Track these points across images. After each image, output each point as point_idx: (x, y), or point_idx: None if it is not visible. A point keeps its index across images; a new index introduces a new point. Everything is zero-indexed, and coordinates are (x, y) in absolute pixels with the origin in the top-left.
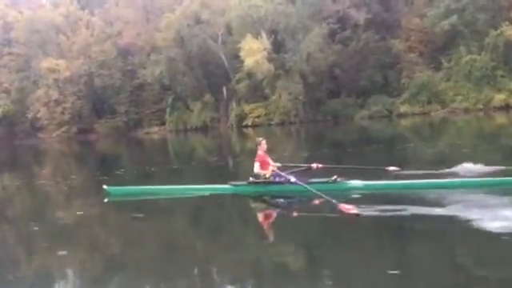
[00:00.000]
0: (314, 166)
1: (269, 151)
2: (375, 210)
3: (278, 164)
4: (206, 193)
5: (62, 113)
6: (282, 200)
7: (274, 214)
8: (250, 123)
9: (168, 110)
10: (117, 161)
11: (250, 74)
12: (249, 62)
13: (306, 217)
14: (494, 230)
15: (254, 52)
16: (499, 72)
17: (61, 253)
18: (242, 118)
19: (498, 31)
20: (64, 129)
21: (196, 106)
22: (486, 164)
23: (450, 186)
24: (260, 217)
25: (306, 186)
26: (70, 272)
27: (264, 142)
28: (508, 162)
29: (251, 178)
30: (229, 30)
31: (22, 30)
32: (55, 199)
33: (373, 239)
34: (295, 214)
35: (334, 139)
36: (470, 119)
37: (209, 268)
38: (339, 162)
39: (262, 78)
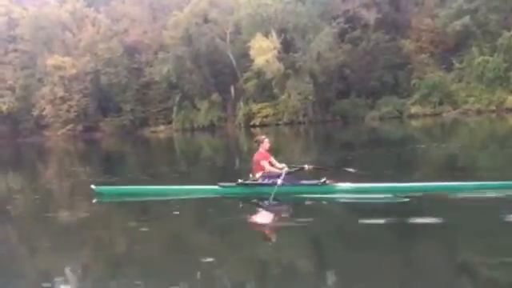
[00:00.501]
0: (306, 167)
1: (275, 151)
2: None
3: (283, 164)
4: (194, 194)
5: (68, 111)
6: (274, 202)
7: (270, 216)
8: (257, 123)
9: (175, 108)
10: (122, 160)
11: (258, 73)
12: (259, 61)
13: (300, 219)
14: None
15: (264, 51)
16: None
17: (62, 252)
18: (249, 117)
19: (511, 32)
20: (69, 127)
21: (203, 105)
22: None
23: (444, 189)
24: (254, 219)
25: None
26: (69, 272)
27: (267, 140)
28: None
29: (240, 180)
30: (237, 29)
31: (27, 27)
32: (58, 199)
33: (376, 242)
34: (289, 216)
35: (344, 140)
36: (482, 121)
37: (212, 271)
38: (347, 164)
39: (270, 78)
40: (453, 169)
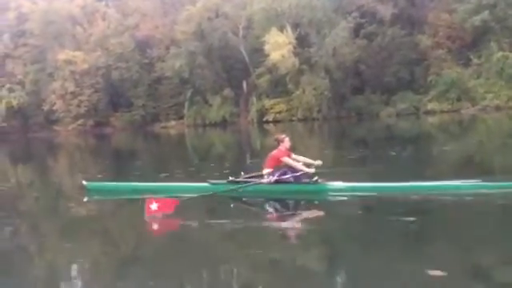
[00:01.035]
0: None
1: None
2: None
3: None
4: (183, 192)
5: (78, 105)
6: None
7: (270, 215)
8: (270, 119)
9: (186, 104)
10: (133, 156)
11: (271, 69)
12: (274, 56)
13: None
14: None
15: (279, 46)
16: None
17: (70, 249)
18: (262, 113)
19: None
20: (80, 122)
21: (215, 101)
22: None
23: (438, 188)
24: (251, 217)
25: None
26: (76, 267)
27: (288, 139)
28: None
29: (230, 177)
30: (250, 24)
31: (37, 22)
32: (67, 194)
33: (379, 242)
34: (284, 215)
35: (360, 137)
36: (501, 117)
37: (219, 270)
38: (361, 164)
39: (284, 73)
40: (466, 167)
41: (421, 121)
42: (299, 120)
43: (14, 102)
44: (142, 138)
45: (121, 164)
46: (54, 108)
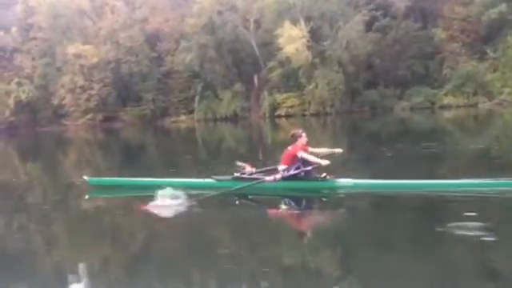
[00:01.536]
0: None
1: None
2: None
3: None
4: (187, 187)
5: (88, 100)
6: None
7: (280, 211)
8: (282, 113)
9: (197, 98)
10: (142, 151)
11: (283, 63)
12: (288, 49)
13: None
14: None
15: (293, 39)
16: None
17: (77, 245)
18: (274, 107)
19: None
20: (89, 116)
21: (226, 95)
22: None
23: (446, 186)
24: (259, 213)
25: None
26: (83, 265)
27: (304, 134)
28: None
29: (235, 174)
30: (261, 17)
31: (45, 15)
32: (73, 190)
33: (389, 240)
34: (293, 211)
35: (375, 132)
36: None
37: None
38: (374, 159)
39: (296, 67)
40: (481, 165)
41: (436, 115)
42: (311, 114)
43: (23, 96)
44: (151, 133)
45: (130, 159)
46: (63, 102)
